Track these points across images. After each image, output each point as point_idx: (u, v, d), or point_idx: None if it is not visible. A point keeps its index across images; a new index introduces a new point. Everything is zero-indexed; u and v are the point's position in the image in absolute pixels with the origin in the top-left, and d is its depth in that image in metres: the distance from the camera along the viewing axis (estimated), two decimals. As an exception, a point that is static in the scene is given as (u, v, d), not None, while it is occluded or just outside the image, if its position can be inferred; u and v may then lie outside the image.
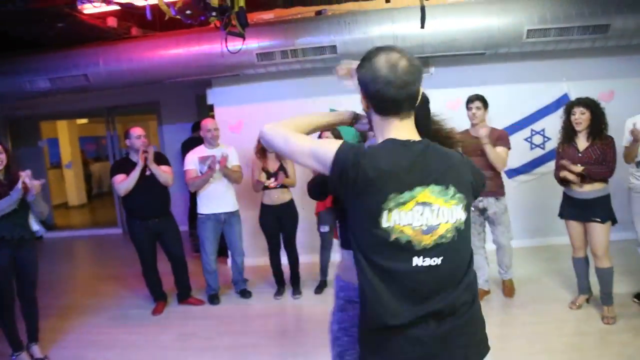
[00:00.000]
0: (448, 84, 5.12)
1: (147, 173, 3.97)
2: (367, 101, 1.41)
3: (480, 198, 3.70)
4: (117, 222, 8.00)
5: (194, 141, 6.56)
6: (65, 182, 10.86)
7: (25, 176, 3.19)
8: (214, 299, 4.33)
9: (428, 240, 1.27)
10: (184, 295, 4.37)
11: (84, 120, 11.37)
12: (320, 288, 4.44)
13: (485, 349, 1.40)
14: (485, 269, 3.94)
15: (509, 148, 3.67)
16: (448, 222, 1.29)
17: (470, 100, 3.72)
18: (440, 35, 4.43)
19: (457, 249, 1.32)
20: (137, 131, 4.02)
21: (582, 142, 3.38)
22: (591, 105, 3.32)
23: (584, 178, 3.29)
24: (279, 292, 4.41)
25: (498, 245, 3.86)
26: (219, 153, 4.15)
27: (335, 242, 4.45)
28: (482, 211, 3.77)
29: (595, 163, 3.26)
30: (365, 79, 1.37)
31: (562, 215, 3.57)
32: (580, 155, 3.34)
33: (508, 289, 3.91)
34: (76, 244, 7.56)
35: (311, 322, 3.84)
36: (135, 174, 3.90)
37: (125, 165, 4.01)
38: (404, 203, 1.25)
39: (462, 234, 1.34)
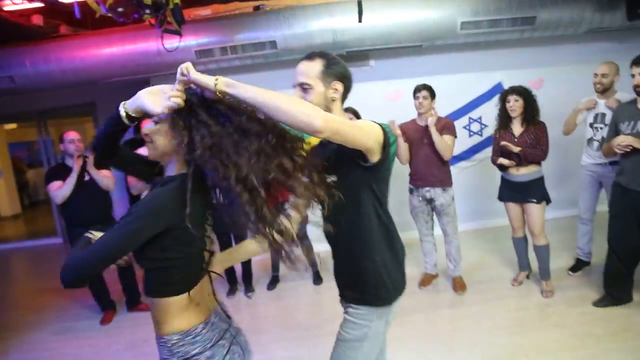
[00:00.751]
0: (387, 76, 5.24)
1: (86, 178, 3.81)
2: (341, 91, 1.74)
3: (427, 188, 3.78)
4: (57, 231, 7.60)
5: (136, 142, 6.38)
6: (-3, 191, 10.21)
7: None
8: None
9: None
10: (133, 302, 4.23)
11: (12, 125, 10.70)
12: (272, 284, 4.45)
13: None
14: (434, 255, 4.07)
15: (455, 136, 3.76)
16: None
17: (417, 90, 3.77)
18: (378, 28, 4.51)
19: None
20: (70, 135, 3.82)
21: (517, 128, 3.56)
22: (524, 93, 3.51)
23: (520, 161, 3.47)
24: (232, 290, 4.36)
25: (445, 235, 3.93)
26: None
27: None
28: (429, 201, 3.84)
29: (530, 147, 3.45)
30: (346, 75, 1.76)
31: (501, 198, 3.76)
32: (516, 140, 3.52)
33: (459, 284, 3.92)
34: (12, 257, 7.12)
35: (267, 318, 3.85)
36: (72, 180, 3.72)
37: (60, 171, 3.81)
38: None
39: None
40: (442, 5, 4.49)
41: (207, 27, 4.41)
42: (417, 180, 3.86)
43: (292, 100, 1.36)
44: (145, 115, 1.39)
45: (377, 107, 4.96)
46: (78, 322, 4.14)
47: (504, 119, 3.61)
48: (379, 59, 5.19)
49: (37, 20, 4.36)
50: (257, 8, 4.57)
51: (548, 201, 3.56)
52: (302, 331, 3.53)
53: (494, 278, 4.03)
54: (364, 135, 1.51)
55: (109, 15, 2.82)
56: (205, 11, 4.68)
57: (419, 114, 3.81)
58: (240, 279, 4.43)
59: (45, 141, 7.50)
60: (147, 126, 1.45)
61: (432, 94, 3.76)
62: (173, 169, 1.47)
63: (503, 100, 3.60)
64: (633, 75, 2.95)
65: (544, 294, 3.61)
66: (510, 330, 3.20)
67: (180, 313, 1.44)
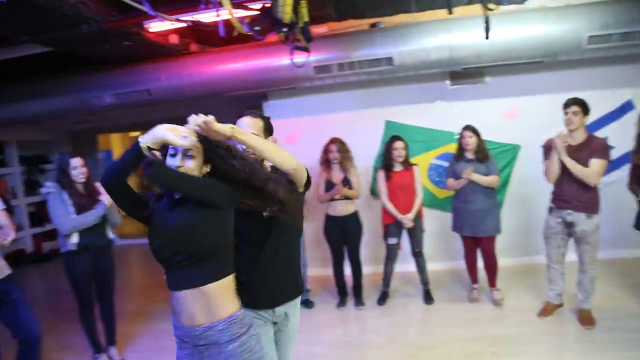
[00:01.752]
0: (504, 93, 5.07)
1: None
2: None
3: (570, 211, 3.48)
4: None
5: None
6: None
7: (99, 187, 3.43)
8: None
9: None
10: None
11: (137, 133, 11.78)
12: (382, 299, 4.44)
13: None
14: (560, 283, 3.77)
15: (608, 160, 3.40)
16: None
17: (566, 105, 3.49)
18: (498, 44, 4.37)
19: None
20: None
21: None
22: None
23: None
24: (342, 302, 4.43)
25: (580, 263, 3.59)
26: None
27: (401, 254, 4.46)
28: (569, 225, 3.52)
29: None
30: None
31: (637, 226, 3.40)
32: None
33: (587, 318, 3.57)
34: (134, 252, 7.81)
35: (376, 333, 3.86)
36: None
37: None
38: None
39: None
40: (568, 18, 4.26)
41: (326, 44, 4.56)
42: (560, 201, 3.57)
43: (278, 148, 1.92)
44: (162, 146, 1.74)
45: (492, 125, 4.84)
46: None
47: None
48: (495, 75, 5.04)
49: (173, 39, 4.79)
50: (373, 25, 4.66)
51: None
52: (415, 349, 3.48)
53: (626, 317, 3.60)
54: (304, 175, 2.05)
55: (249, 33, 3.03)
56: (321, 29, 4.85)
57: (570, 131, 3.51)
58: (351, 292, 4.48)
59: (166, 148, 8.16)
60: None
61: (585, 110, 3.44)
62: None
63: None
64: None
65: None
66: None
67: (233, 292, 1.81)
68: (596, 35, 4.23)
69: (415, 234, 4.28)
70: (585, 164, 3.35)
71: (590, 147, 3.39)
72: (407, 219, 4.16)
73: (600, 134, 4.93)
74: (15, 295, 2.96)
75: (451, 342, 3.53)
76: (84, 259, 3.41)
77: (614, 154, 4.92)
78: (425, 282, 4.42)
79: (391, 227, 4.30)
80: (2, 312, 2.91)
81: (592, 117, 4.90)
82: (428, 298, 4.36)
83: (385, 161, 4.30)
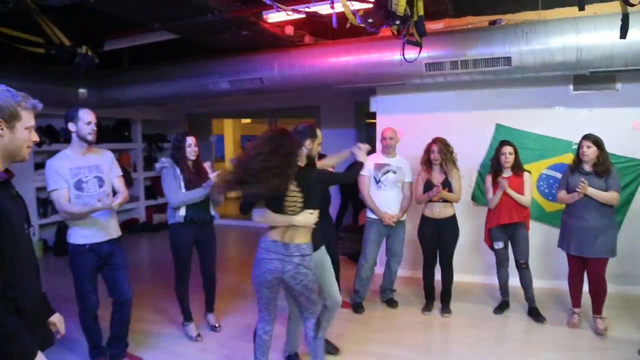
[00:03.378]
0: (636, 102, 4.55)
1: None
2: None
3: None
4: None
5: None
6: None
7: (207, 166, 3.76)
8: (358, 308, 4.33)
9: None
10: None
11: (247, 120, 12.42)
12: (500, 308, 4.26)
13: None
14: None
15: None
16: None
17: None
18: (634, 46, 3.92)
19: None
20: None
21: None
22: None
23: None
24: (428, 307, 4.30)
25: None
26: (395, 162, 4.24)
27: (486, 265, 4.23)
28: None
29: None
30: None
31: None
32: None
33: None
34: (232, 233, 8.26)
35: (459, 343, 3.68)
36: None
37: None
38: None
39: None
40: None
41: (440, 41, 4.41)
42: None
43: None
44: None
45: (617, 137, 4.39)
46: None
47: None
48: (627, 81, 4.54)
49: (289, 30, 4.95)
50: (493, 22, 4.42)
51: None
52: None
53: None
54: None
55: (362, 25, 3.03)
56: (437, 25, 4.71)
57: None
58: (438, 297, 4.33)
59: (273, 136, 8.50)
60: None
61: None
62: None
63: None
64: None
65: None
66: None
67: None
68: None
69: (520, 242, 4.05)
70: None
71: None
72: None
73: None
74: (119, 259, 3.21)
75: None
76: (189, 231, 3.67)
77: None
78: (530, 298, 4.15)
79: (495, 232, 4.12)
80: (103, 271, 3.19)
81: None
82: (536, 315, 4.08)
83: (493, 166, 4.15)
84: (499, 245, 4.13)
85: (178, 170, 3.62)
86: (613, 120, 4.58)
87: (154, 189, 8.71)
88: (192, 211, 3.61)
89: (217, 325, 3.95)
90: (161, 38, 5.08)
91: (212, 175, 3.60)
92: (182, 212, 3.60)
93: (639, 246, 4.43)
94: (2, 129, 1.54)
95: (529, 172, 4.13)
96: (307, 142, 2.89)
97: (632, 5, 3.28)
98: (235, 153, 11.77)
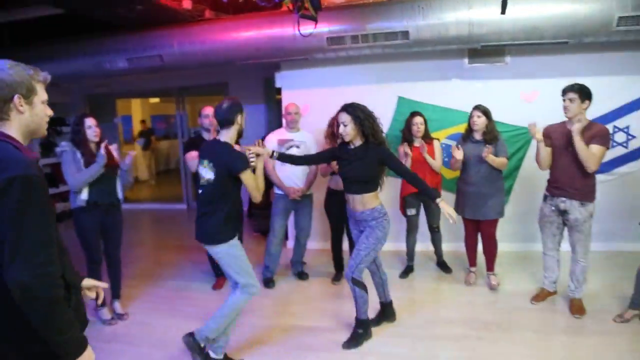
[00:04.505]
0: (523, 74, 4.89)
1: None
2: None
3: (563, 199, 3.44)
4: (183, 198, 8.32)
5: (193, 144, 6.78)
6: (137, 157, 11.39)
7: (113, 149, 3.59)
8: (269, 283, 4.38)
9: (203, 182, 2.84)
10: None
11: (156, 99, 11.86)
12: (406, 273, 4.50)
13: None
14: (555, 271, 3.75)
15: (607, 147, 3.33)
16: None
17: (564, 92, 3.40)
18: (521, 22, 4.18)
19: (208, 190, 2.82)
20: (206, 110, 4.20)
21: None
22: None
23: None
24: (337, 277, 4.42)
25: (573, 252, 3.56)
26: (298, 137, 4.21)
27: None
28: (562, 213, 3.49)
29: None
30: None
31: None
32: None
33: (577, 307, 3.56)
34: (143, 216, 7.94)
35: (369, 310, 3.81)
36: None
37: (197, 143, 4.11)
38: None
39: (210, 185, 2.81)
40: (598, -2, 4.04)
41: (340, 15, 4.44)
42: (554, 189, 3.53)
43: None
44: None
45: (508, 107, 4.70)
46: (193, 282, 4.52)
47: None
48: (516, 55, 4.85)
49: (187, 4, 4.72)
50: (391, -3, 4.50)
51: None
52: (403, 329, 3.46)
53: (620, 309, 3.52)
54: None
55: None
56: (339, -1, 4.72)
57: (568, 118, 3.42)
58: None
59: (182, 115, 8.21)
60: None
61: (584, 96, 3.32)
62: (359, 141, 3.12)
63: None
64: None
65: None
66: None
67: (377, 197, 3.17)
68: (627, 17, 4.00)
69: (434, 208, 4.26)
70: None
71: (589, 134, 3.31)
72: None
73: (620, 122, 4.77)
74: None
75: (440, 324, 3.51)
76: (93, 215, 3.52)
77: (635, 144, 4.76)
78: (439, 254, 4.64)
79: (411, 199, 4.32)
80: None
81: (614, 104, 4.76)
82: (444, 267, 4.58)
83: (405, 136, 4.33)
84: (412, 212, 4.36)
85: (79, 154, 3.43)
86: (504, 91, 4.88)
87: (55, 176, 8.08)
88: (95, 194, 3.47)
89: (123, 313, 3.81)
90: (45, 13, 4.66)
91: (132, 154, 3.56)
92: (84, 195, 3.45)
93: (527, 207, 4.80)
94: (22, 105, 1.47)
95: (437, 139, 4.35)
96: (238, 118, 2.83)
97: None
98: (145, 134, 11.23)
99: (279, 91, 5.44)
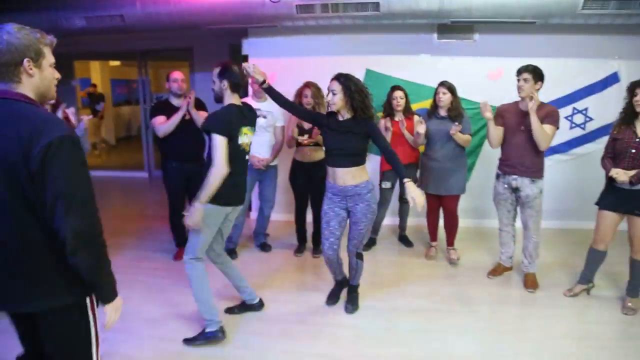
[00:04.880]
0: (491, 53, 4.93)
1: (187, 117, 3.98)
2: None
3: (515, 176, 3.55)
4: (144, 166, 8.11)
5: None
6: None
7: (70, 113, 3.39)
8: (231, 254, 4.28)
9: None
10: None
11: (116, 63, 11.38)
12: (368, 245, 4.51)
13: None
14: (511, 247, 3.87)
15: (557, 127, 3.44)
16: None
17: (518, 72, 3.46)
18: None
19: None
20: (175, 75, 4.06)
21: None
22: None
23: (633, 184, 3.07)
24: (300, 249, 4.43)
25: (524, 228, 3.69)
26: (265, 107, 4.10)
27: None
28: (515, 190, 3.61)
29: None
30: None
31: (599, 203, 3.34)
32: (638, 140, 3.07)
33: (531, 281, 3.70)
34: (103, 184, 7.68)
35: (331, 282, 3.84)
36: (177, 118, 3.92)
37: (165, 108, 4.05)
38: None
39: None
40: (565, -20, 4.09)
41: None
42: (505, 167, 3.64)
43: None
44: None
45: (475, 85, 4.74)
46: (154, 253, 4.43)
47: (629, 114, 3.15)
48: (484, 32, 4.87)
49: (152, -39, 4.50)
50: (363, -33, 4.41)
51: None
52: (362, 301, 3.50)
53: (570, 284, 3.69)
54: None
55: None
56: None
57: (521, 98, 3.50)
58: (310, 240, 4.49)
59: (144, 80, 7.91)
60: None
61: (537, 77, 3.41)
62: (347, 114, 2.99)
63: (631, 93, 3.14)
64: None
65: (626, 310, 3.27)
66: (586, 342, 2.95)
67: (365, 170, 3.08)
68: (592, 0, 4.07)
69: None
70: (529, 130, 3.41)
71: (541, 114, 3.40)
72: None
73: (579, 104, 4.90)
74: None
75: (400, 296, 3.58)
76: None
77: (592, 126, 4.91)
78: (403, 227, 4.73)
79: (388, 174, 4.34)
80: None
81: (574, 86, 4.88)
82: (406, 242, 4.67)
83: (386, 110, 4.33)
84: (387, 185, 4.40)
85: None
86: (471, 68, 4.91)
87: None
88: None
89: None
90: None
91: (85, 119, 3.35)
92: None
93: (488, 184, 4.91)
94: (31, 69, 1.47)
95: (418, 114, 4.32)
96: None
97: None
98: (105, 98, 10.81)
99: (245, 58, 5.29)
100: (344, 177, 2.99)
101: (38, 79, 1.50)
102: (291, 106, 3.25)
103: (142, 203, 6.47)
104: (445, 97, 3.90)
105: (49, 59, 1.53)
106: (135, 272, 4.00)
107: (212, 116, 2.77)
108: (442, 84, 3.94)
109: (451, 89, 3.91)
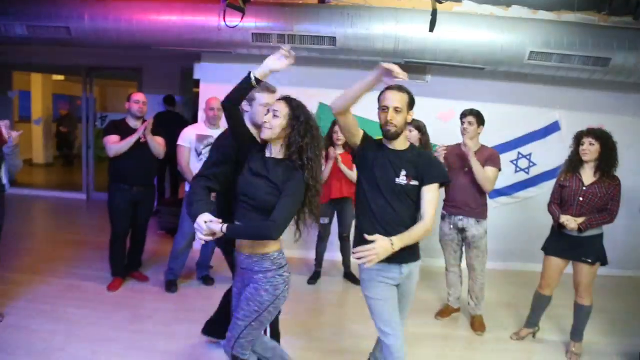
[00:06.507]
0: (442, 95, 5.05)
1: (142, 140, 3.83)
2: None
3: (461, 217, 3.59)
4: (83, 187, 7.66)
5: (169, 115, 6.33)
6: (33, 138, 10.37)
7: (3, 126, 3.06)
8: (172, 286, 4.07)
9: None
10: (133, 267, 4.23)
11: (60, 77, 10.87)
12: (314, 279, 4.51)
13: None
14: (459, 288, 3.87)
15: (499, 169, 3.54)
16: None
17: (463, 115, 3.59)
18: (443, 43, 4.33)
19: None
20: (137, 96, 3.96)
21: (587, 176, 3.20)
22: (602, 138, 3.14)
23: (581, 231, 3.14)
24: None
25: (470, 269, 3.70)
26: (218, 135, 3.94)
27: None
28: (461, 231, 3.63)
29: (598, 202, 3.12)
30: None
31: (546, 250, 3.40)
32: (585, 188, 3.16)
33: (478, 324, 3.70)
34: (37, 204, 7.18)
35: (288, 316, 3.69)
36: (132, 140, 3.77)
37: (120, 127, 3.89)
38: None
39: None
40: (514, 30, 4.28)
41: (269, 12, 4.29)
42: (451, 208, 3.67)
43: None
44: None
45: (428, 125, 4.79)
46: (86, 282, 4.09)
47: (575, 162, 3.26)
48: (436, 74, 5.00)
49: (104, -25, 4.33)
50: (322, 1, 4.43)
51: (604, 263, 3.19)
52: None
53: (516, 325, 3.75)
54: None
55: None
56: (268, -5, 4.57)
57: (467, 140, 3.58)
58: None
59: (89, 98, 7.56)
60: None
61: (480, 121, 3.55)
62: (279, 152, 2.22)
63: (577, 142, 3.25)
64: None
65: (570, 355, 3.31)
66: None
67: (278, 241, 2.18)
68: (538, 52, 4.29)
69: (346, 218, 4.39)
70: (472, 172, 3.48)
71: (483, 156, 3.50)
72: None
73: (524, 150, 5.08)
74: None
75: (346, 336, 3.47)
76: None
77: (535, 171, 5.08)
78: (347, 265, 4.68)
79: (324, 208, 4.26)
80: None
81: (520, 132, 5.06)
82: (352, 278, 4.58)
83: (326, 143, 4.31)
84: (325, 220, 4.34)
85: None
86: (422, 109, 4.96)
87: None
88: None
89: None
90: None
91: (14, 135, 3.06)
92: None
93: (435, 225, 4.95)
94: None
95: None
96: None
97: (441, 2, 3.57)
98: (45, 114, 10.26)
99: (197, 83, 5.16)
100: (240, 240, 2.20)
101: None
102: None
103: (78, 226, 6.06)
104: (412, 135, 3.90)
105: None
106: (62, 303, 3.65)
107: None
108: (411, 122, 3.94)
109: (419, 128, 3.95)
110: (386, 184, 2.31)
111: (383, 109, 2.32)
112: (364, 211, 2.37)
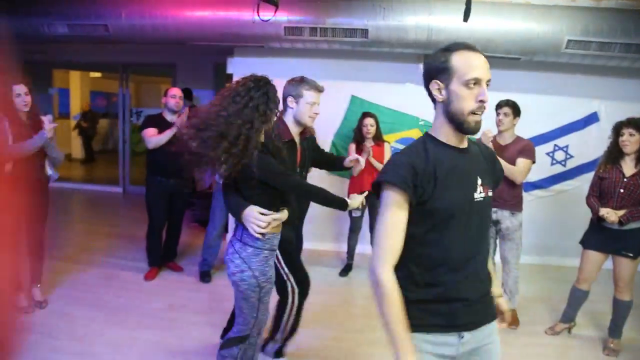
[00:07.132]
0: (475, 86, 4.95)
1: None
2: None
3: (495, 209, 3.51)
4: (119, 181, 7.89)
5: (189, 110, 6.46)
6: (72, 134, 10.73)
7: (47, 121, 3.22)
8: (205, 276, 4.18)
9: None
10: (168, 258, 4.35)
11: (97, 74, 11.20)
12: (345, 271, 4.54)
13: None
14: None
15: (533, 161, 3.45)
16: None
17: (499, 106, 3.51)
18: (477, 33, 4.23)
19: None
20: (173, 91, 4.09)
21: (628, 167, 3.10)
22: None
23: (622, 224, 3.04)
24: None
25: (504, 262, 3.63)
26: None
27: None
28: (495, 223, 3.56)
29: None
30: None
31: (584, 243, 3.31)
32: (626, 180, 3.07)
33: (511, 318, 3.68)
34: (75, 197, 7.45)
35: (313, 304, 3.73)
36: (170, 133, 3.85)
37: (158, 121, 4.01)
38: None
39: None
40: (551, 19, 4.16)
41: (300, 5, 4.31)
42: None
43: None
44: None
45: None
46: (123, 271, 4.24)
47: (614, 153, 3.16)
48: (468, 66, 4.92)
49: (140, -27, 4.43)
50: (354, -7, 4.42)
51: None
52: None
53: (551, 321, 3.65)
54: None
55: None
56: (300, -11, 4.59)
57: (499, 132, 3.55)
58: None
59: (125, 94, 7.76)
60: None
61: (515, 112, 3.47)
62: None
63: (616, 133, 3.15)
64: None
65: (607, 351, 3.22)
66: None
67: None
68: (575, 40, 4.16)
69: (376, 210, 4.26)
70: (512, 163, 3.41)
71: (517, 148, 3.45)
72: None
73: (561, 141, 4.93)
74: None
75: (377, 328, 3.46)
76: None
77: (572, 164, 4.95)
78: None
79: None
80: None
81: (556, 123, 4.93)
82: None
83: (356, 136, 4.37)
84: (357, 213, 4.35)
85: (7, 123, 3.07)
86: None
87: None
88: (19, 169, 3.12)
89: (42, 301, 3.47)
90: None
91: (49, 127, 3.17)
92: (8, 167, 3.06)
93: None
94: None
95: (388, 142, 4.37)
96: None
97: (475, -9, 3.50)
98: (83, 110, 10.58)
99: (229, 77, 5.23)
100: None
101: None
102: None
103: (114, 218, 6.25)
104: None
105: None
106: (101, 291, 3.81)
107: None
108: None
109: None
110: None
111: (469, 83, 1.40)
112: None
